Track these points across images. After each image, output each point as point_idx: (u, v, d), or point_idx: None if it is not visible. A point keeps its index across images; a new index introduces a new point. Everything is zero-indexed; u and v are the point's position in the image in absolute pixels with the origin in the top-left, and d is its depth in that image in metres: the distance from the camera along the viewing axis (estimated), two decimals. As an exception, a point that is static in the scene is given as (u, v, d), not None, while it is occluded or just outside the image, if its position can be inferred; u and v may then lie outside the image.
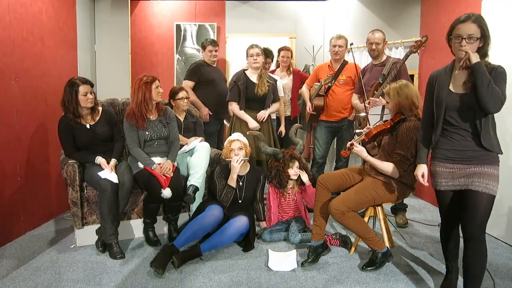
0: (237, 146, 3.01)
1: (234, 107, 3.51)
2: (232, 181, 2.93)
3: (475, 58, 1.87)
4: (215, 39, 4.26)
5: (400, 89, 2.53)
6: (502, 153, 1.98)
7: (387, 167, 2.48)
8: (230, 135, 3.29)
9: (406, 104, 2.51)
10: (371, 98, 3.25)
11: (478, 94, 1.84)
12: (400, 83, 2.58)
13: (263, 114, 3.49)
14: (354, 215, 2.51)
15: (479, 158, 1.96)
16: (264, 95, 3.47)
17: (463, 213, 2.00)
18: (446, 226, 2.22)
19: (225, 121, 4.26)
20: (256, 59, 3.44)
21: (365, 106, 3.17)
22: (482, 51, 1.91)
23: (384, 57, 3.43)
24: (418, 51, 3.11)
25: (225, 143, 3.11)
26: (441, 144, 2.06)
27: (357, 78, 3.50)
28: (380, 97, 3.15)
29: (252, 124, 3.44)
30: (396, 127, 2.54)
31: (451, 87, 2.01)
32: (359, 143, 2.62)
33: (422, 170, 2.15)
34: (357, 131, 3.01)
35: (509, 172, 3.00)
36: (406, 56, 3.13)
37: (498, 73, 1.90)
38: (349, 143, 2.61)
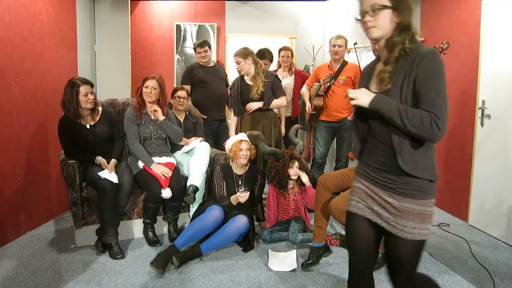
0: (246, 146, 3.02)
1: (231, 113, 3.56)
2: (234, 202, 2.89)
3: (364, 97, 1.39)
4: (206, 39, 4.23)
5: None
6: (437, 179, 1.41)
7: None
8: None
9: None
10: None
11: None
12: None
13: (249, 106, 3.40)
14: None
15: (399, 186, 1.40)
16: (262, 95, 3.38)
17: (386, 255, 1.52)
18: (353, 274, 1.57)
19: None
20: (238, 67, 3.41)
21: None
22: (401, 27, 1.37)
23: None
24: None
25: (233, 142, 3.08)
26: (364, 157, 1.55)
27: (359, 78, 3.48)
28: None
29: (232, 137, 3.37)
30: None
31: (371, 84, 1.52)
32: None
33: None
34: None
35: (509, 172, 3.00)
36: None
37: (425, 63, 1.32)
38: None
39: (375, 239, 1.53)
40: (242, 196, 2.79)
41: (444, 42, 2.98)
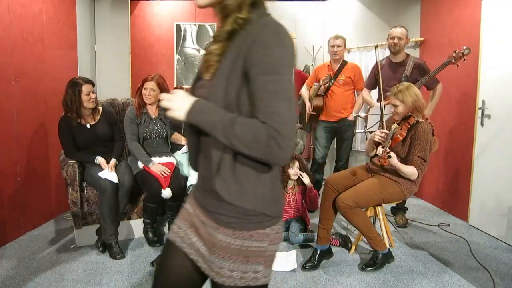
0: None
1: None
2: None
3: (179, 108, 0.97)
4: None
5: (409, 90, 2.52)
6: (275, 215, 1.02)
7: (410, 170, 2.47)
8: None
9: (417, 104, 2.50)
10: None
11: None
12: (405, 84, 2.59)
13: None
14: (360, 211, 2.51)
15: (218, 209, 1.01)
16: None
17: None
18: None
19: None
20: None
21: (381, 106, 3.02)
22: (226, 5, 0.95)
23: (404, 56, 3.34)
24: (458, 63, 2.93)
25: None
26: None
27: (368, 75, 3.47)
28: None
29: None
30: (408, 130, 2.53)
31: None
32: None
33: None
34: (357, 131, 2.99)
35: (509, 172, 3.00)
36: (444, 65, 2.97)
37: (259, 46, 0.89)
38: (381, 150, 2.51)
39: (194, 283, 1.12)
40: None
41: (465, 48, 2.86)
